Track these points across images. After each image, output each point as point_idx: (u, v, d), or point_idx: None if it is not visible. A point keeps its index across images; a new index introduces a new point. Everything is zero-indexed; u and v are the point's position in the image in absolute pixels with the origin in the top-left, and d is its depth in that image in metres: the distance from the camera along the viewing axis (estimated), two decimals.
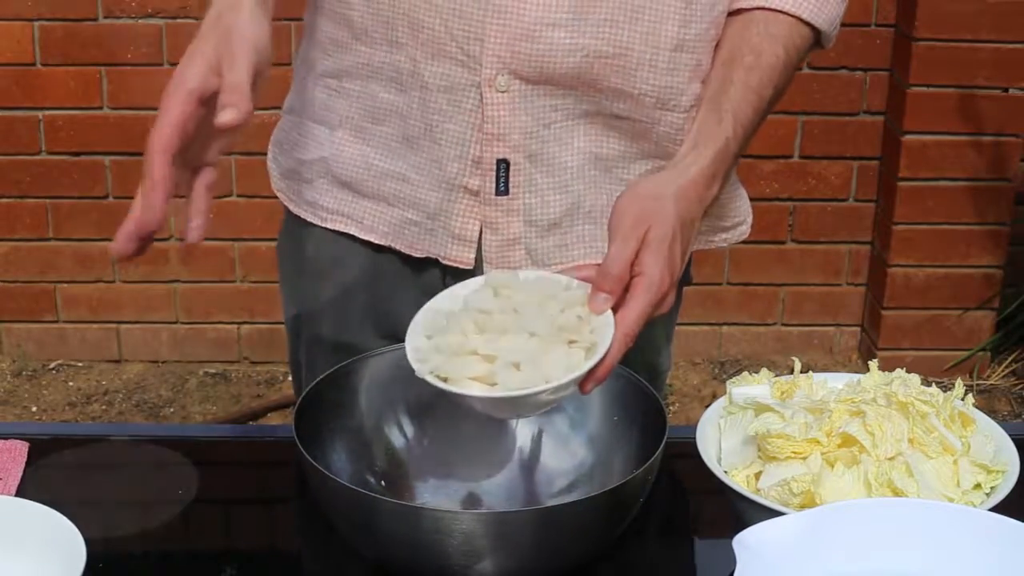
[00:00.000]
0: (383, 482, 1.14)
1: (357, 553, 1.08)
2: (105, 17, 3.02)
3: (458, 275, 1.28)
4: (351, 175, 1.32)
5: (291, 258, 1.45)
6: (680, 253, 1.11)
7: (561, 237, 1.29)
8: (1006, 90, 3.03)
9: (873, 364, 1.17)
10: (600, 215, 1.28)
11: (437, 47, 1.21)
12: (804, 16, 1.23)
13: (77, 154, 3.12)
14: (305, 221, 1.39)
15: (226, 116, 1.09)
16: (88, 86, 3.06)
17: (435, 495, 1.16)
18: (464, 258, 1.29)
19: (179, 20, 3.01)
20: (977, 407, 1.15)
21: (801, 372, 1.21)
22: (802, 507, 1.05)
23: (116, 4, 3.00)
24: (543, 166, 1.25)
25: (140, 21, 3.02)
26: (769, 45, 1.22)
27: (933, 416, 1.09)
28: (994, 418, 1.16)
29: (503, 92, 1.21)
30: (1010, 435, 1.13)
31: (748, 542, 1.00)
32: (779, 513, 1.02)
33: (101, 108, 3.08)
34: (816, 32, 1.25)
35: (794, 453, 1.08)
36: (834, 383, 1.18)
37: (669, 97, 1.24)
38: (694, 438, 1.12)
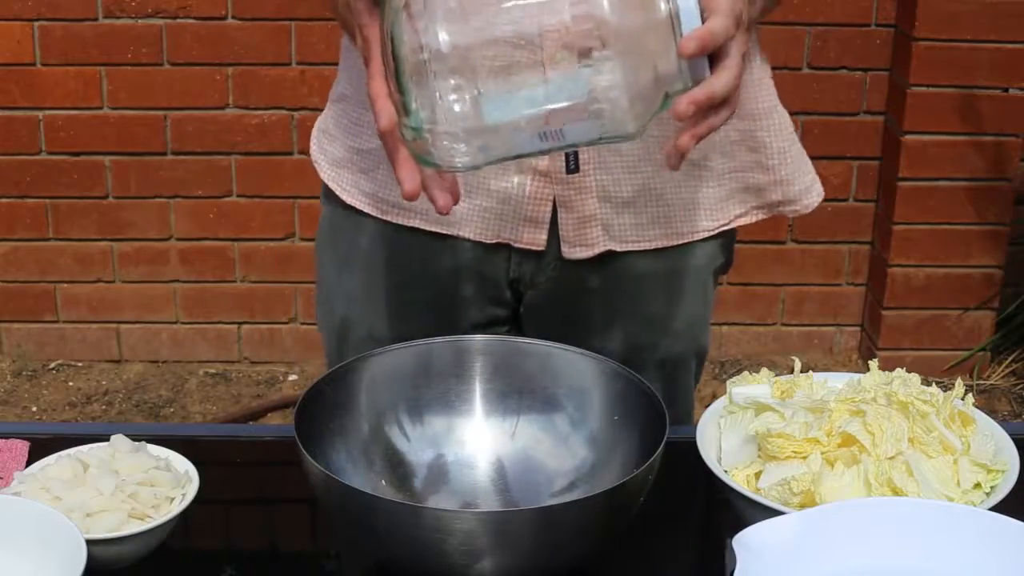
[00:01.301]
0: (383, 482, 1.14)
1: (357, 553, 1.08)
2: (105, 17, 3.02)
3: (528, 257, 1.30)
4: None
5: (338, 251, 1.42)
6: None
7: (636, 216, 1.30)
8: (1006, 90, 3.03)
9: (873, 364, 1.17)
10: (672, 197, 1.30)
11: None
12: None
13: (77, 154, 3.12)
14: (359, 212, 1.37)
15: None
16: (88, 86, 3.06)
17: (435, 494, 1.16)
18: (537, 240, 1.30)
19: (179, 20, 3.01)
20: (977, 407, 1.15)
21: (801, 372, 1.21)
22: (802, 507, 1.05)
23: (116, 4, 3.00)
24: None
25: (140, 21, 3.02)
26: None
27: (933, 416, 1.09)
28: (994, 418, 1.16)
29: None
30: (1010, 435, 1.13)
31: (748, 542, 1.00)
32: (779, 513, 1.02)
33: (101, 108, 3.08)
34: None
35: (794, 452, 1.08)
36: (834, 383, 1.18)
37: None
38: (694, 438, 1.12)
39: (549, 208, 1.29)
